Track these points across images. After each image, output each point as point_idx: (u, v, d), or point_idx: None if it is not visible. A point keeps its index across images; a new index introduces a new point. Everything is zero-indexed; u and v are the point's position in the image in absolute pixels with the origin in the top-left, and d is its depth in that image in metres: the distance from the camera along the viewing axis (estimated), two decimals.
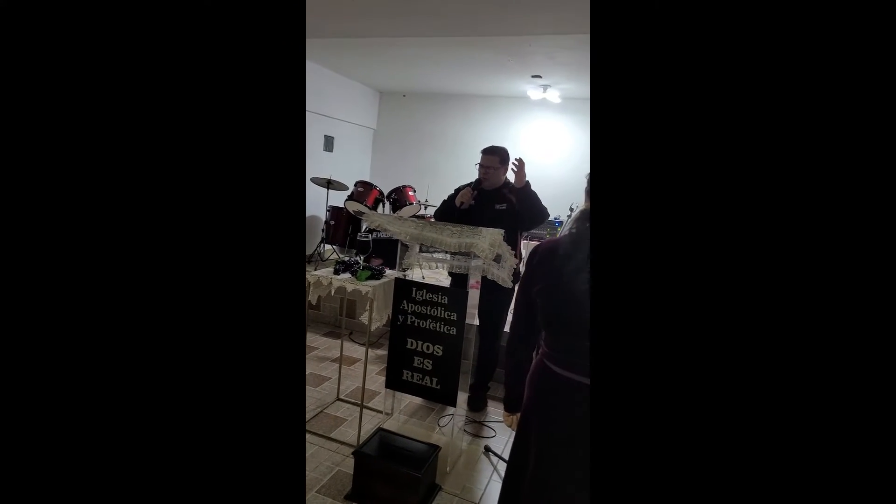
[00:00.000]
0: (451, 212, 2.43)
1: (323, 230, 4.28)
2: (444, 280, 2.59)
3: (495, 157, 2.39)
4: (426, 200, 4.40)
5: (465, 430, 2.37)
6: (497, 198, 2.39)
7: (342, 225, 4.19)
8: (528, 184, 2.32)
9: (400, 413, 2.49)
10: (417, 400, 2.60)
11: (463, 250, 1.85)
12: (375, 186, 4.31)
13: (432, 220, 2.52)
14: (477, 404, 2.58)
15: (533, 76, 4.21)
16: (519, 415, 1.27)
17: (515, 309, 1.28)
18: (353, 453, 1.87)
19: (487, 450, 2.22)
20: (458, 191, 2.49)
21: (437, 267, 2.11)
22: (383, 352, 3.29)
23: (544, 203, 2.38)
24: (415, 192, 4.30)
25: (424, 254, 2.19)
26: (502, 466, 2.10)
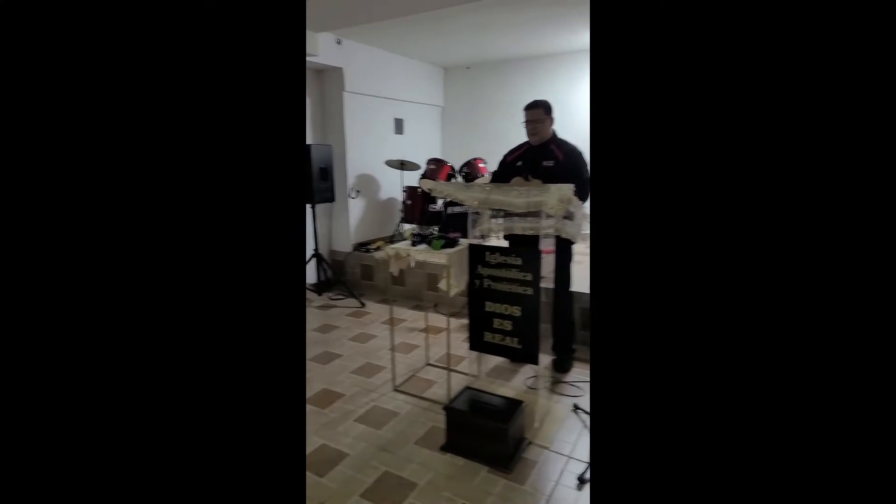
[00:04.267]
0: (507, 177, 2.43)
1: (401, 210, 4.47)
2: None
3: (539, 109, 2.36)
4: None
5: (550, 390, 2.41)
6: (545, 154, 2.36)
7: (418, 203, 4.34)
8: (566, 155, 2.33)
9: (486, 375, 2.60)
10: (503, 362, 2.69)
11: (532, 210, 1.86)
12: (447, 162, 4.39)
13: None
14: (563, 365, 2.60)
15: None
16: None
17: None
18: (443, 408, 2.01)
19: (576, 407, 2.24)
20: (507, 155, 2.53)
21: (498, 235, 2.14)
22: (466, 321, 3.40)
23: None
24: (486, 163, 4.31)
25: (497, 219, 2.23)
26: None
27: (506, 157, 2.55)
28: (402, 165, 4.35)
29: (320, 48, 3.67)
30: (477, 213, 2.19)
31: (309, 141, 4.19)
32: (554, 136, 2.42)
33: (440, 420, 2.11)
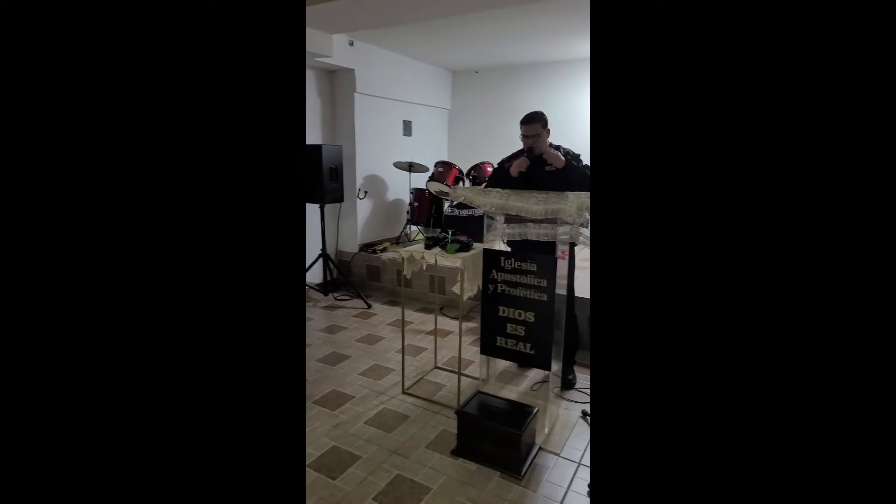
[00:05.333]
0: (504, 181, 2.44)
1: (408, 212, 4.48)
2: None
3: (537, 123, 2.39)
4: None
5: (560, 396, 2.42)
6: (545, 160, 2.38)
7: (425, 206, 4.35)
8: (567, 160, 2.35)
9: (495, 379, 2.60)
10: (510, 366, 2.69)
11: (549, 217, 1.87)
12: (455, 165, 4.41)
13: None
14: (571, 383, 2.56)
15: None
16: None
17: None
18: (455, 412, 2.01)
19: (585, 414, 2.25)
20: (504, 161, 2.54)
21: (503, 240, 2.16)
22: (474, 324, 3.41)
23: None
24: (493, 166, 4.32)
25: (511, 225, 2.23)
26: None
27: (503, 163, 2.58)
28: (411, 167, 4.36)
29: (334, 49, 3.67)
30: (491, 217, 2.19)
31: (319, 141, 4.19)
32: (549, 145, 2.45)
33: (450, 424, 2.12)
